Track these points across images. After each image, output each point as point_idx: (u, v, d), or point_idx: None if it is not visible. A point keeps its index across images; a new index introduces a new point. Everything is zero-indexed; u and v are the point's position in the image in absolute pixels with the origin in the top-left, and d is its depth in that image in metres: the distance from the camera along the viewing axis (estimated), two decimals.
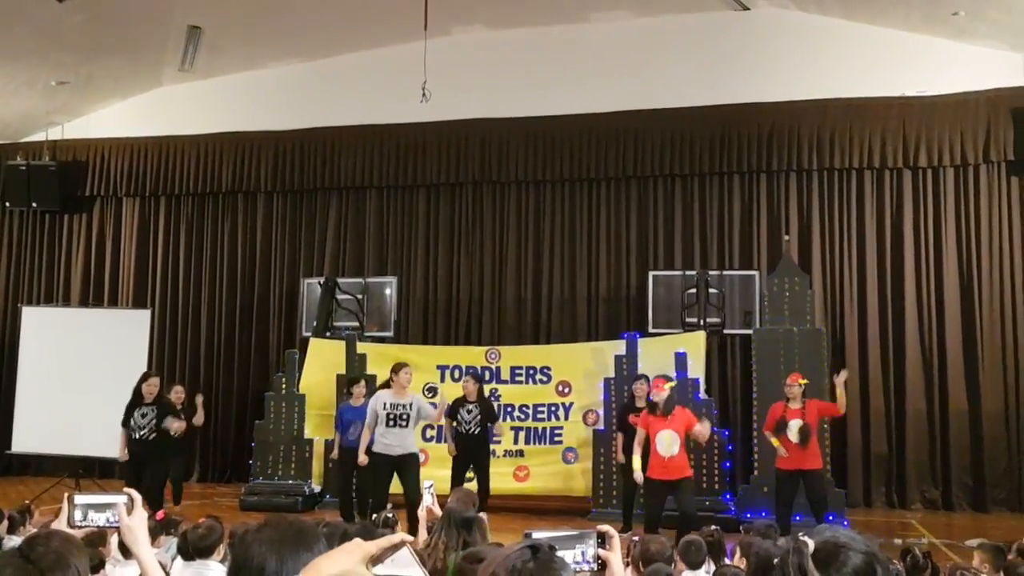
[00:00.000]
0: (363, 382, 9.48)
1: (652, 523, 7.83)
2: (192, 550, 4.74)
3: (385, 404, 8.26)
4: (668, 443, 7.94)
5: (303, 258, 12.91)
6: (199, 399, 10.21)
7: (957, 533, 8.96)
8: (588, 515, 9.62)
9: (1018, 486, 10.61)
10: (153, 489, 9.00)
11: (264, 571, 1.73)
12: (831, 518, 8.48)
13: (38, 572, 1.89)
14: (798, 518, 8.41)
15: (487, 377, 10.44)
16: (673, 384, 8.29)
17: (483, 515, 5.17)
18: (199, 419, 10.16)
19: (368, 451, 8.43)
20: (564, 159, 12.09)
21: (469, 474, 9.19)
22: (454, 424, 9.28)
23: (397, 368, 8.41)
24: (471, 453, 9.16)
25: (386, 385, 8.70)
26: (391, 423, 8.19)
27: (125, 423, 9.07)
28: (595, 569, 1.81)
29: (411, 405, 8.25)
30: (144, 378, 9.28)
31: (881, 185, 11.38)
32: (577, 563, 1.77)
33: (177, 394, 9.95)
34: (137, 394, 9.16)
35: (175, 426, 8.97)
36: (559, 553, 1.67)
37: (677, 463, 7.96)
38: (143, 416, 8.98)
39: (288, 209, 13.08)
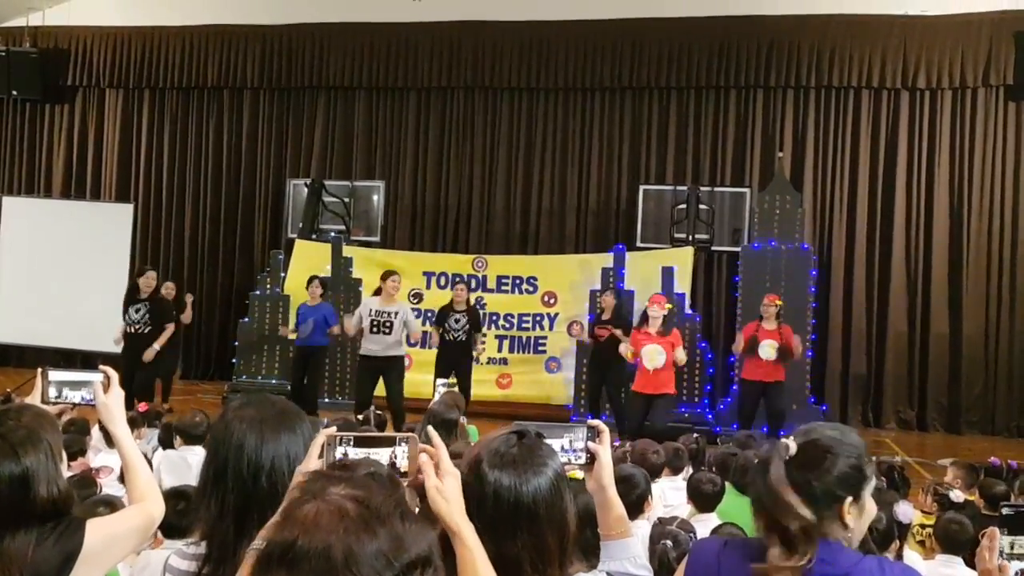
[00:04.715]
0: (317, 282, 9.41)
1: (634, 432, 7.93)
2: (184, 437, 4.75)
3: (371, 311, 8.42)
4: (654, 358, 7.99)
5: (290, 158, 12.69)
6: (189, 298, 10.23)
7: (930, 453, 9.13)
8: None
9: (992, 410, 10.77)
10: (145, 384, 9.03)
11: (244, 448, 1.69)
12: (784, 433, 8.51)
13: (8, 446, 1.84)
14: (764, 430, 8.44)
15: (473, 285, 10.43)
16: (672, 307, 8.29)
17: (463, 420, 5.22)
18: (187, 317, 10.20)
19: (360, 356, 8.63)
20: (559, 67, 11.83)
21: (451, 379, 9.24)
22: (441, 332, 9.29)
23: (385, 276, 8.55)
24: (454, 360, 9.18)
25: (378, 293, 8.73)
26: (375, 329, 8.35)
27: (124, 315, 9.03)
28: (584, 461, 1.78)
29: (396, 314, 8.37)
30: (140, 272, 9.17)
31: (878, 106, 11.24)
32: (565, 451, 1.73)
33: (168, 290, 9.89)
34: (133, 288, 9.07)
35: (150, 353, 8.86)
36: (547, 441, 1.63)
37: (661, 378, 8.02)
38: (137, 311, 8.92)
39: (275, 107, 12.80)
